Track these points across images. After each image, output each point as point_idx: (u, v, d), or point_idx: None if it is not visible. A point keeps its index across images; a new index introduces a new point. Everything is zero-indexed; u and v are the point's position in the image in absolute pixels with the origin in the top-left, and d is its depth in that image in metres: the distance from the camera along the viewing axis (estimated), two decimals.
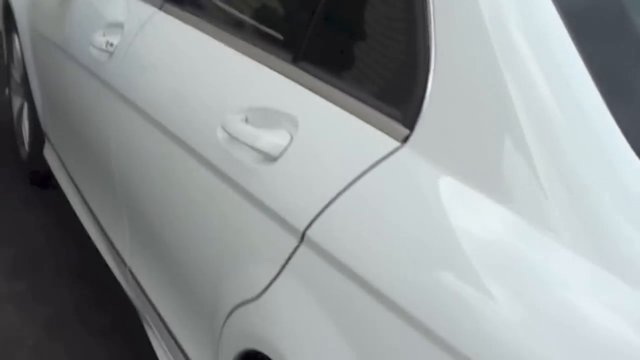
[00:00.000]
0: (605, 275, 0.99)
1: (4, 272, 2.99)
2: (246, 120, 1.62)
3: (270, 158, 1.52)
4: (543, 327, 0.99)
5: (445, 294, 1.12)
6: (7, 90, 3.82)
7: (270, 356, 1.45)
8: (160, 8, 2.17)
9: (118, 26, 2.29)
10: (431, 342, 1.10)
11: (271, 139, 1.51)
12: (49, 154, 3.23)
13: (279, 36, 1.76)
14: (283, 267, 1.46)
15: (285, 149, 1.49)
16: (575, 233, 1.03)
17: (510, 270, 1.07)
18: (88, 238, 2.72)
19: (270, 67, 1.65)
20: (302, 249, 1.41)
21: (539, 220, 1.07)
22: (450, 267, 1.13)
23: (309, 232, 1.40)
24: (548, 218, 1.06)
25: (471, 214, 1.17)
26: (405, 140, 1.29)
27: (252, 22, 1.93)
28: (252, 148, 1.54)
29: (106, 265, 2.56)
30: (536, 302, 1.02)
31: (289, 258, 1.44)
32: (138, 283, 2.23)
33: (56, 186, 3.12)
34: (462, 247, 1.13)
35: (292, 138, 1.49)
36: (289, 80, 1.59)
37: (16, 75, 3.64)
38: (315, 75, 1.54)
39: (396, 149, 1.29)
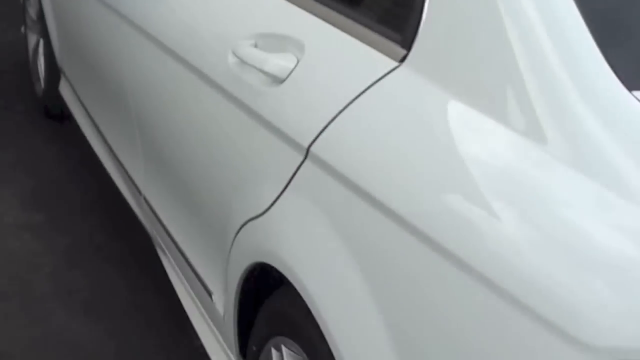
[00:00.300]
0: (605, 193, 1.08)
1: (22, 203, 3.11)
2: (255, 45, 1.71)
3: (277, 80, 1.61)
4: (543, 241, 1.07)
5: (444, 204, 1.22)
6: (23, 28, 3.91)
7: (278, 268, 1.56)
8: None
9: None
10: (432, 250, 1.20)
11: (278, 62, 1.60)
12: (64, 89, 3.33)
13: None
14: (288, 182, 1.56)
15: (292, 71, 1.58)
16: (568, 149, 1.11)
17: (504, 180, 1.16)
18: (104, 170, 2.82)
19: None
20: (307, 164, 1.51)
21: (534, 135, 1.15)
22: (449, 178, 1.23)
23: (312, 148, 1.49)
24: (542, 133, 1.14)
25: (465, 128, 1.26)
26: (402, 60, 1.38)
27: None
28: (261, 71, 1.64)
29: (122, 196, 2.68)
30: (536, 217, 1.10)
31: (294, 174, 1.54)
32: (152, 210, 2.34)
33: (71, 120, 3.22)
34: (459, 159, 1.22)
35: (298, 61, 1.58)
36: (296, 7, 1.67)
37: (32, 12, 3.73)
38: (319, 1, 1.63)
39: (394, 69, 1.38)
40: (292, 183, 1.54)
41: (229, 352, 1.90)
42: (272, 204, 1.59)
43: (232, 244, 1.74)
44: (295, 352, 1.58)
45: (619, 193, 1.05)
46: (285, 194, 1.56)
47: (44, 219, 3.01)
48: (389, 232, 1.28)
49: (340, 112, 1.44)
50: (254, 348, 1.74)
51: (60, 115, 3.50)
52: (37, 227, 2.96)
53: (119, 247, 2.84)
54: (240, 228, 1.69)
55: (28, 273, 2.73)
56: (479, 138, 1.22)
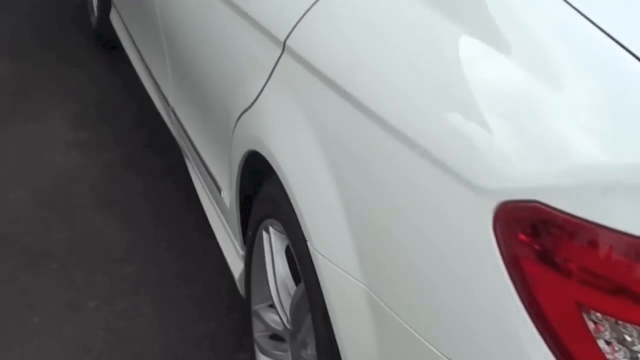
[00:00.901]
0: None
1: (70, 123, 3.37)
2: None
3: None
4: (530, 150, 1.14)
5: (413, 95, 1.34)
6: None
7: (264, 154, 1.75)
8: None
9: None
10: (403, 145, 1.32)
11: None
12: (114, 18, 3.57)
13: None
14: (269, 76, 1.74)
15: None
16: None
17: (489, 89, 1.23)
18: (146, 93, 3.06)
19: None
20: (284, 57, 1.68)
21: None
22: (412, 71, 1.35)
23: (288, 42, 1.67)
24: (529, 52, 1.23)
25: (429, 25, 1.38)
26: None
27: None
28: None
29: (160, 116, 2.90)
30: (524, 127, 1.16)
31: (274, 67, 1.72)
32: (177, 119, 2.56)
33: (120, 49, 3.46)
34: (419, 54, 1.34)
35: None
36: None
37: None
38: None
39: None
40: (272, 76, 1.72)
41: (234, 241, 2.12)
42: (258, 96, 1.78)
43: (232, 136, 1.93)
44: (279, 231, 1.78)
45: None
46: (267, 86, 1.74)
47: (90, 137, 3.26)
48: (351, 118, 1.44)
49: (313, 4, 1.59)
50: (250, 233, 1.94)
51: (110, 44, 3.74)
52: (83, 144, 3.22)
53: (157, 163, 3.07)
54: (237, 120, 1.89)
55: (71, 185, 2.99)
56: (441, 40, 1.34)
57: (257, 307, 1.96)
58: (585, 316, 1.08)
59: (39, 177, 3.00)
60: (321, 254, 1.50)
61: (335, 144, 1.48)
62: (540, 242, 1.10)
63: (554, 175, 1.10)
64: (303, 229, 1.54)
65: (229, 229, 2.14)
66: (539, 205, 1.09)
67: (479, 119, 1.19)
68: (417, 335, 1.29)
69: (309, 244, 1.52)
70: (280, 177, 1.62)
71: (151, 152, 3.11)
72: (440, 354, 1.23)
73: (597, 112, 1.09)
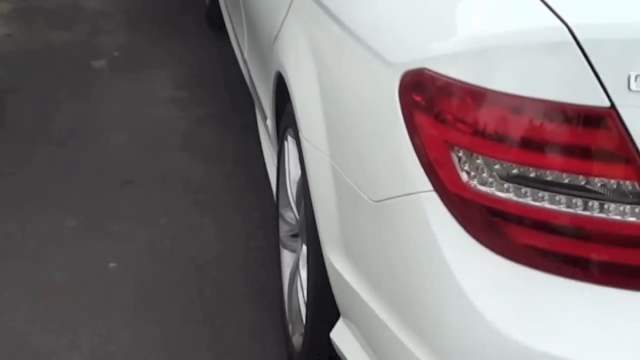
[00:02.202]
0: None
1: (173, 83, 3.95)
2: None
3: None
4: (424, 29, 1.61)
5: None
6: None
7: (281, 72, 2.24)
8: None
9: None
10: (351, 38, 1.76)
11: None
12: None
13: None
14: (287, 10, 2.23)
15: None
16: None
17: None
18: (238, 62, 3.59)
19: None
20: None
21: None
22: None
23: None
24: None
25: None
26: None
27: None
28: None
29: (245, 81, 3.42)
30: None
31: (291, 3, 2.21)
32: (248, 69, 3.09)
33: (225, 28, 4.02)
34: None
35: None
36: None
37: None
38: None
39: None
40: (290, 10, 2.20)
41: (274, 157, 2.60)
42: (280, 26, 2.27)
43: (269, 64, 2.43)
44: (293, 137, 2.26)
45: None
46: (286, 18, 2.23)
47: (188, 96, 3.82)
48: (330, 30, 1.91)
49: None
50: (278, 145, 2.43)
51: (219, 24, 4.30)
52: (181, 101, 3.78)
53: (241, 119, 3.59)
54: (271, 49, 2.38)
55: (166, 131, 3.55)
56: None
57: (282, 209, 2.43)
58: (452, 153, 1.50)
59: (139, 123, 3.57)
60: (307, 140, 1.96)
61: (320, 54, 1.95)
62: (426, 100, 1.52)
63: (439, 47, 1.52)
64: (297, 123, 2.00)
65: (271, 149, 2.63)
66: (428, 72, 1.52)
67: (393, 7, 1.64)
68: (353, 185, 1.73)
69: (300, 134, 1.98)
70: (288, 87, 2.09)
71: (237, 111, 3.64)
72: (358, 190, 1.67)
73: None
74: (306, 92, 1.97)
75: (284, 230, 2.43)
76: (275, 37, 2.26)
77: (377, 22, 1.67)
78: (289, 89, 2.04)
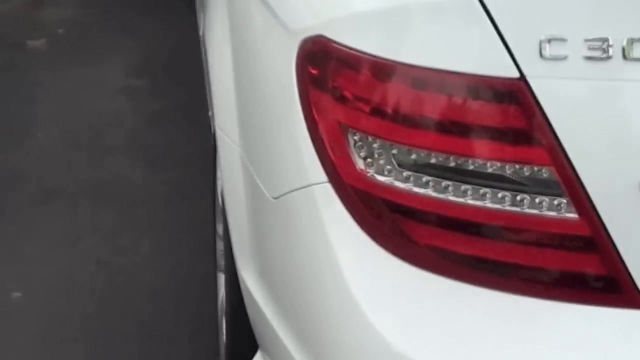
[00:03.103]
0: None
1: (128, 70, 4.16)
2: None
3: None
4: None
5: None
6: None
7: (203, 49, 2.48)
8: None
9: None
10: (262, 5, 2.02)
11: None
12: None
13: None
14: None
15: None
16: None
17: None
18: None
19: None
20: None
21: None
22: None
23: None
24: None
25: None
26: None
27: None
28: None
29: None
30: None
31: None
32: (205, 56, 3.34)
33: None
34: None
35: None
36: None
37: None
38: None
39: None
40: None
41: None
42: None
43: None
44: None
45: None
46: None
47: (144, 85, 4.07)
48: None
49: None
50: (212, 142, 2.66)
51: None
52: (134, 91, 4.03)
53: (204, 111, 3.80)
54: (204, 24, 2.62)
55: (108, 129, 3.80)
56: None
57: (217, 223, 2.66)
58: (348, 136, 1.71)
59: (76, 119, 3.82)
60: (220, 129, 2.20)
61: (237, 25, 2.19)
62: (321, 73, 1.74)
63: (336, 9, 1.74)
64: (212, 108, 2.24)
65: None
66: (324, 39, 1.74)
67: None
68: (257, 180, 1.95)
69: (213, 122, 2.22)
70: (204, 63, 2.34)
71: (204, 105, 3.84)
72: (261, 185, 1.88)
73: None
74: (221, 70, 2.20)
75: (219, 249, 2.65)
76: (205, 7, 2.52)
77: None
78: (205, 66, 2.28)
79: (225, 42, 2.20)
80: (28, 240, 3.15)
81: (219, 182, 2.47)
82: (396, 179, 1.61)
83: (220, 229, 2.53)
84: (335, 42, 1.65)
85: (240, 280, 2.09)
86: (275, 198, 1.83)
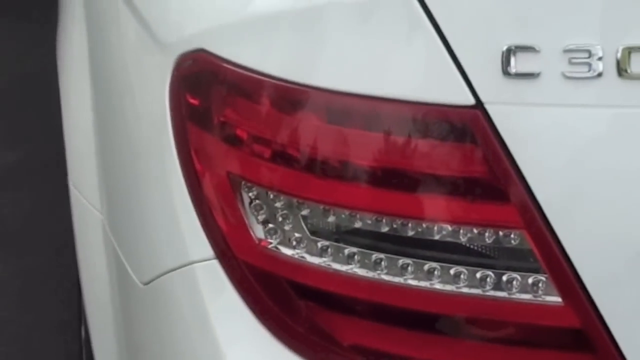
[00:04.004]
0: None
1: None
2: None
3: None
4: None
5: None
6: None
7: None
8: None
9: None
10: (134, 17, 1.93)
11: None
12: None
13: None
14: None
15: None
16: None
17: None
18: None
19: None
20: None
21: None
22: None
23: None
24: None
25: None
26: None
27: None
28: None
29: None
30: None
31: None
32: None
33: None
34: None
35: None
36: None
37: None
38: None
39: None
40: None
41: None
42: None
43: None
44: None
45: None
46: None
47: None
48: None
49: None
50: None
51: None
52: None
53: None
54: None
55: None
56: None
57: None
58: (241, 192, 1.69)
59: None
60: (74, 186, 2.18)
61: (95, 36, 2.18)
62: (202, 101, 1.72)
63: (221, 17, 1.72)
64: (66, 157, 2.22)
65: None
66: (207, 55, 1.72)
67: None
68: (123, 260, 1.93)
69: (70, 186, 2.20)
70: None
71: None
72: (127, 267, 1.86)
73: None
74: (77, 103, 2.19)
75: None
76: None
77: None
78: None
79: (82, 62, 2.18)
80: None
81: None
82: (308, 252, 1.60)
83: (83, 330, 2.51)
84: (222, 59, 1.64)
85: None
86: (145, 284, 1.80)
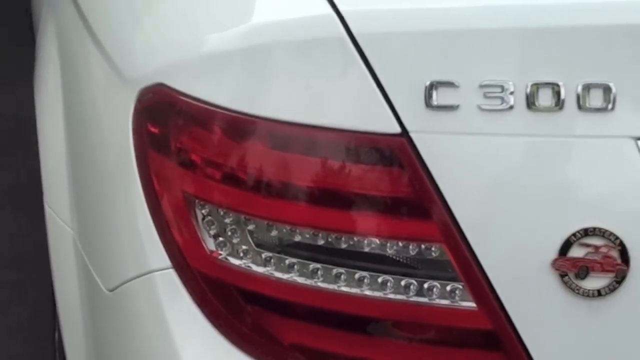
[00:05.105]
0: None
1: None
2: None
3: None
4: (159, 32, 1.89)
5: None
6: None
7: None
8: None
9: None
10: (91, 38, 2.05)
11: None
12: None
13: None
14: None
15: None
16: None
17: None
18: None
19: None
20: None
21: None
22: None
23: None
24: None
25: None
26: None
27: None
28: None
29: None
30: None
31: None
32: None
33: None
34: None
35: None
36: None
37: None
38: None
39: None
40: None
41: None
42: (39, 24, 2.58)
43: None
44: None
45: None
46: (44, 13, 2.56)
47: None
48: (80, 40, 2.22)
49: None
50: None
51: None
52: None
53: None
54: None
55: None
56: None
57: None
58: (195, 209, 1.78)
59: None
60: (48, 205, 2.26)
61: (68, 69, 2.26)
62: (161, 130, 1.81)
63: (179, 51, 1.81)
64: (42, 177, 2.30)
65: None
66: (165, 88, 1.81)
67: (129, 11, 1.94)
68: (91, 270, 2.01)
69: (45, 206, 2.28)
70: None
71: None
72: (95, 276, 1.95)
73: None
74: (51, 130, 2.27)
75: None
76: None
77: (114, 16, 1.98)
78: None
79: (57, 93, 2.26)
80: None
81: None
82: (254, 262, 1.68)
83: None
84: (178, 92, 1.73)
85: None
86: (110, 290, 1.89)
